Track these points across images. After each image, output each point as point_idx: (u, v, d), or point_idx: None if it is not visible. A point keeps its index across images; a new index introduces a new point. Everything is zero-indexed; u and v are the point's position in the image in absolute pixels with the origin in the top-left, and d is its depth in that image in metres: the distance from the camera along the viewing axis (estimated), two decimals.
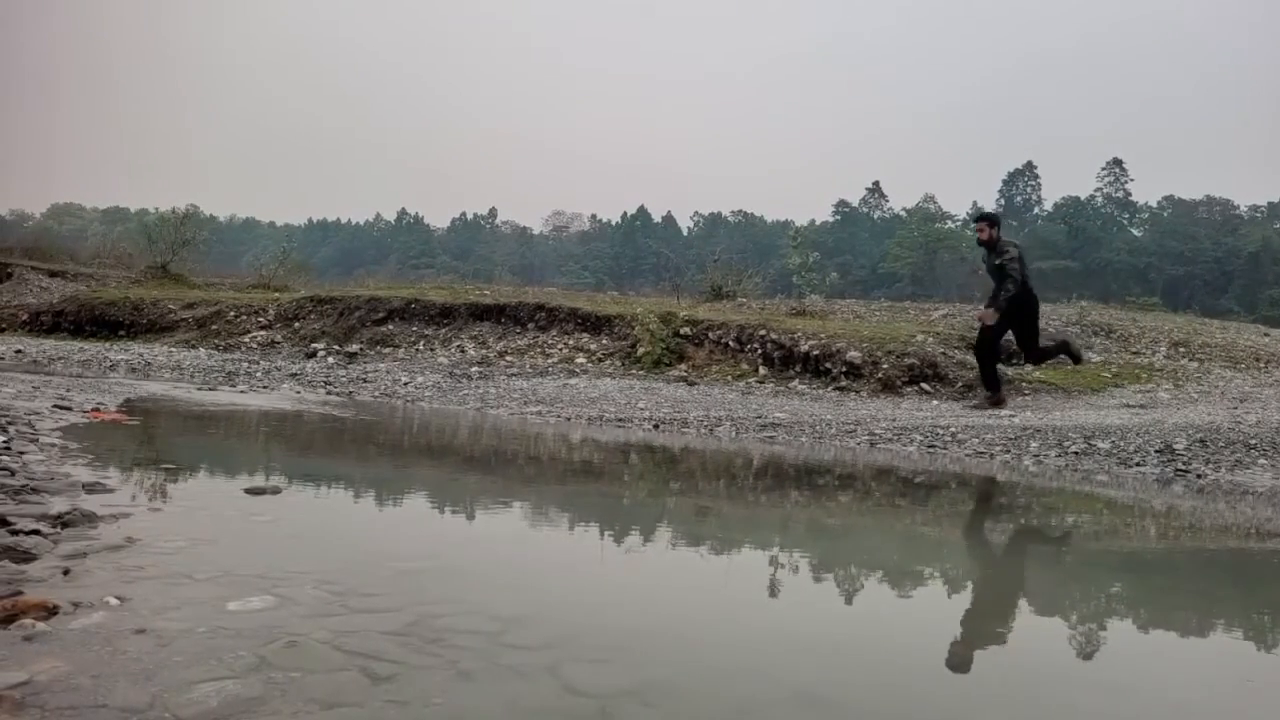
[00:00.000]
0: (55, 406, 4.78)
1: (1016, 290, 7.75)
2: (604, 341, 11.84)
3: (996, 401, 7.91)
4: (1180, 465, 4.92)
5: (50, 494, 2.42)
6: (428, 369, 11.10)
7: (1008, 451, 5.41)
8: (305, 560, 2.00)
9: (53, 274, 21.50)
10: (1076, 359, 8.48)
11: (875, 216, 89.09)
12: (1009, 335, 8.32)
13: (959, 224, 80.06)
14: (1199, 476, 4.67)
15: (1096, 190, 78.51)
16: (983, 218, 8.09)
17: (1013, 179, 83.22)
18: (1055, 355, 8.37)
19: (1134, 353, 11.85)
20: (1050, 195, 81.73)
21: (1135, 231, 79.23)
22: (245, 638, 1.44)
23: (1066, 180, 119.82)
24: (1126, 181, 78.81)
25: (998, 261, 7.78)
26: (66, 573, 1.71)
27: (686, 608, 1.96)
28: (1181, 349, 12.04)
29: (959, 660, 1.71)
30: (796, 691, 1.42)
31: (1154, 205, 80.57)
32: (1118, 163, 78.72)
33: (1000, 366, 10.52)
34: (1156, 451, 5.29)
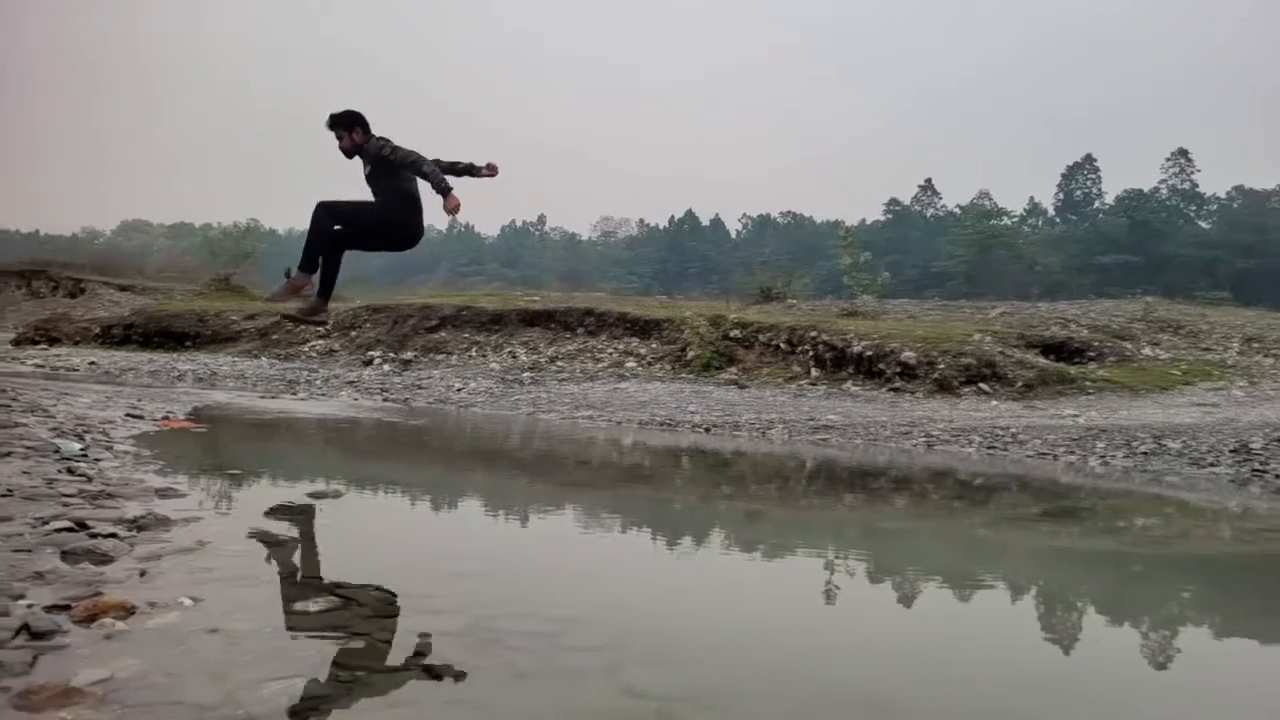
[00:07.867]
0: (128, 415, 4.96)
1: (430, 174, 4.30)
2: (653, 345, 11.85)
3: (296, 289, 4.31)
4: (1257, 465, 4.73)
5: (125, 499, 2.51)
6: (480, 375, 11.25)
7: (1072, 453, 5.27)
8: (366, 563, 2.04)
9: (122, 288, 22.37)
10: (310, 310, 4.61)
11: (928, 214, 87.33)
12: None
13: (1015, 220, 78.09)
14: (1278, 476, 4.48)
15: (1161, 182, 75.71)
16: (337, 124, 4.49)
17: (1071, 173, 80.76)
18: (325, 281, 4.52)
19: (1204, 349, 11.43)
20: (1111, 188, 78.91)
21: (1203, 224, 76.32)
22: (311, 637, 1.48)
23: (1129, 173, 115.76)
24: (1193, 172, 75.91)
25: (368, 168, 4.60)
26: (143, 574, 1.77)
27: (743, 610, 1.95)
28: (1255, 345, 11.56)
29: (1026, 665, 1.67)
30: (857, 695, 1.40)
31: (1222, 196, 77.48)
32: (1183, 153, 75.89)
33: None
34: (1231, 451, 5.09)
